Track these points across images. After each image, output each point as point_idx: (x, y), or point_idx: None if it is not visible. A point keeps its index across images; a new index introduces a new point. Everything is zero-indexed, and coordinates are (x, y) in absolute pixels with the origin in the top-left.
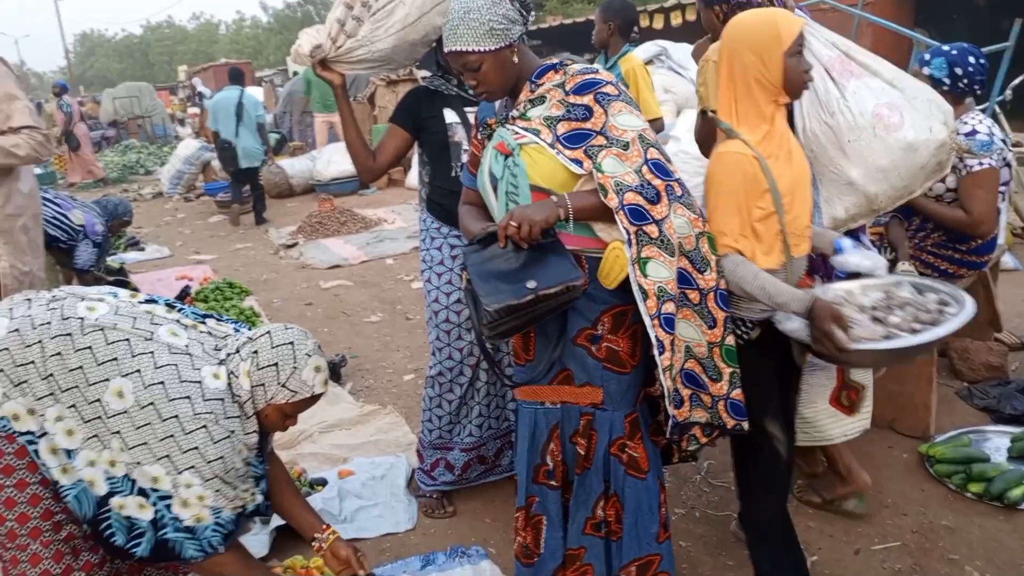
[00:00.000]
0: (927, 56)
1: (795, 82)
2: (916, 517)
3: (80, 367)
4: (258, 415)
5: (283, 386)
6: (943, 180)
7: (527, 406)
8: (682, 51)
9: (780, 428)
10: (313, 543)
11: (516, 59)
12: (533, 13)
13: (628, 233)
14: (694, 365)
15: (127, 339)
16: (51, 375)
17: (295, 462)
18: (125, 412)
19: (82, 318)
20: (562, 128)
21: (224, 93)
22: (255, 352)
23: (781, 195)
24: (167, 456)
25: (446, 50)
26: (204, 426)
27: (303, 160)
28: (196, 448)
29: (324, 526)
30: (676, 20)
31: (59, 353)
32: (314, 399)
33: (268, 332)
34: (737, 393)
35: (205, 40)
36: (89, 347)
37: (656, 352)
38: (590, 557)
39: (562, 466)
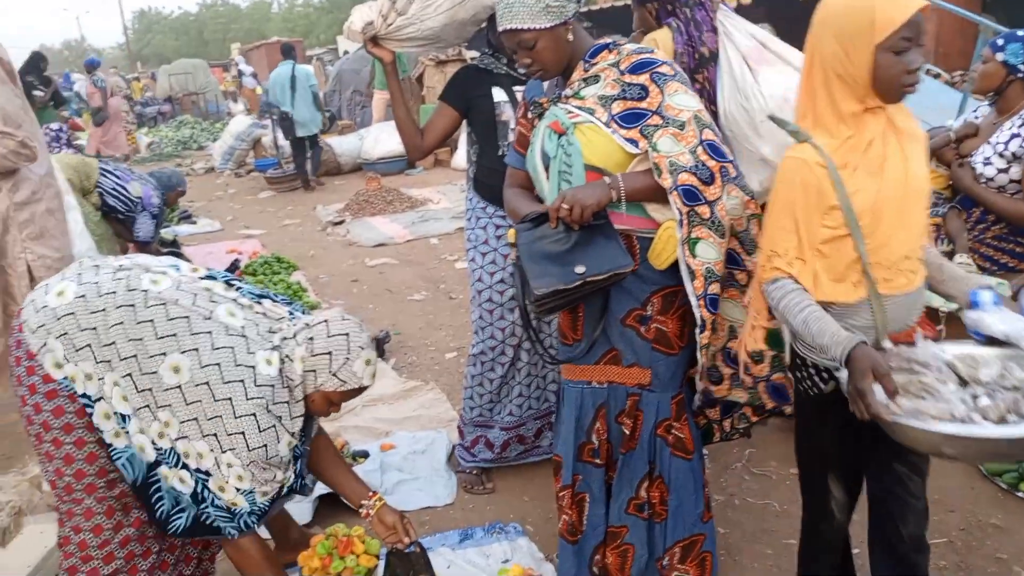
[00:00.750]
0: (1000, 41)
1: (889, 82)
2: (964, 515)
3: (140, 339)
4: (305, 399)
5: (334, 375)
6: (1006, 171)
7: (573, 385)
8: None
9: (843, 490)
10: (361, 509)
11: (571, 37)
12: None
13: (680, 214)
14: (737, 345)
15: (187, 316)
16: (112, 343)
17: (338, 434)
18: (179, 387)
19: (146, 291)
20: (617, 107)
21: (279, 69)
22: (311, 339)
23: (857, 214)
24: (214, 435)
25: (500, 28)
26: (253, 413)
27: (351, 138)
28: (242, 433)
29: (371, 493)
30: (731, 2)
31: (122, 323)
32: (360, 390)
33: (326, 321)
34: (778, 376)
35: (258, 18)
36: (151, 320)
37: (697, 330)
38: (632, 537)
39: (607, 445)
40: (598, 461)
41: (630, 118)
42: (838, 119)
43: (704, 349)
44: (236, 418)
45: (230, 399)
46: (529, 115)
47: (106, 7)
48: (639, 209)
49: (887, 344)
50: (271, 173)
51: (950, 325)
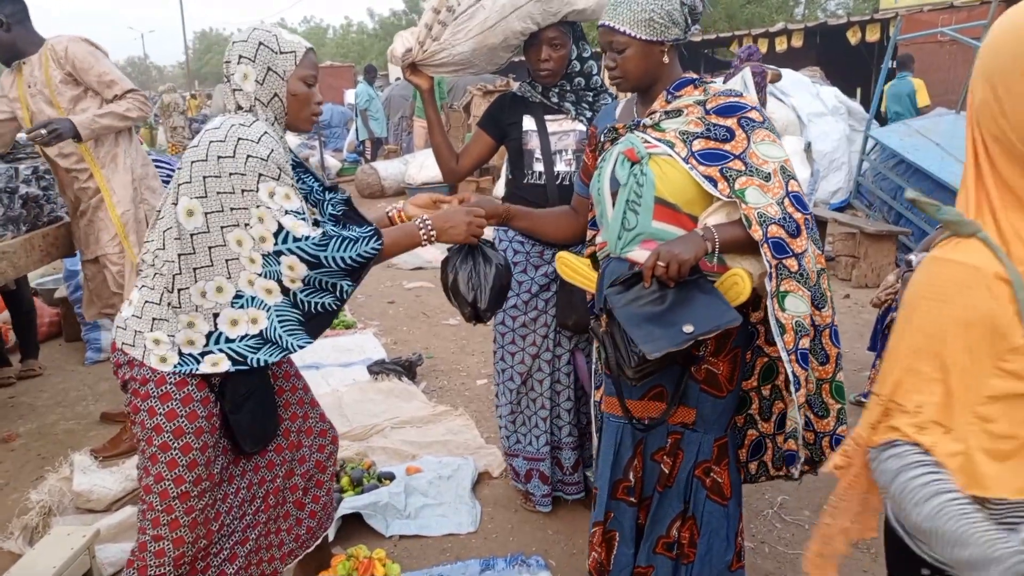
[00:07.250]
0: None
1: None
2: None
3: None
4: (286, 108)
5: (283, 53)
6: None
7: (613, 420)
8: (785, 77)
9: None
10: (390, 212)
11: (666, 60)
12: (697, 27)
13: (770, 266)
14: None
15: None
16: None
17: (365, 454)
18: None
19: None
20: (698, 145)
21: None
22: (240, 56)
23: None
24: (240, 209)
25: (600, 22)
26: (238, 138)
27: (396, 163)
28: (248, 156)
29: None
30: (781, 46)
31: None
32: (312, 53)
33: (231, 41)
34: (843, 429)
35: (313, 43)
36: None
37: (792, 388)
38: None
39: (641, 483)
40: (632, 499)
41: (711, 157)
42: (1018, 205)
43: (802, 408)
44: (235, 163)
45: (229, 172)
46: (602, 139)
47: (170, 26)
48: (717, 256)
49: None
50: None
51: None
